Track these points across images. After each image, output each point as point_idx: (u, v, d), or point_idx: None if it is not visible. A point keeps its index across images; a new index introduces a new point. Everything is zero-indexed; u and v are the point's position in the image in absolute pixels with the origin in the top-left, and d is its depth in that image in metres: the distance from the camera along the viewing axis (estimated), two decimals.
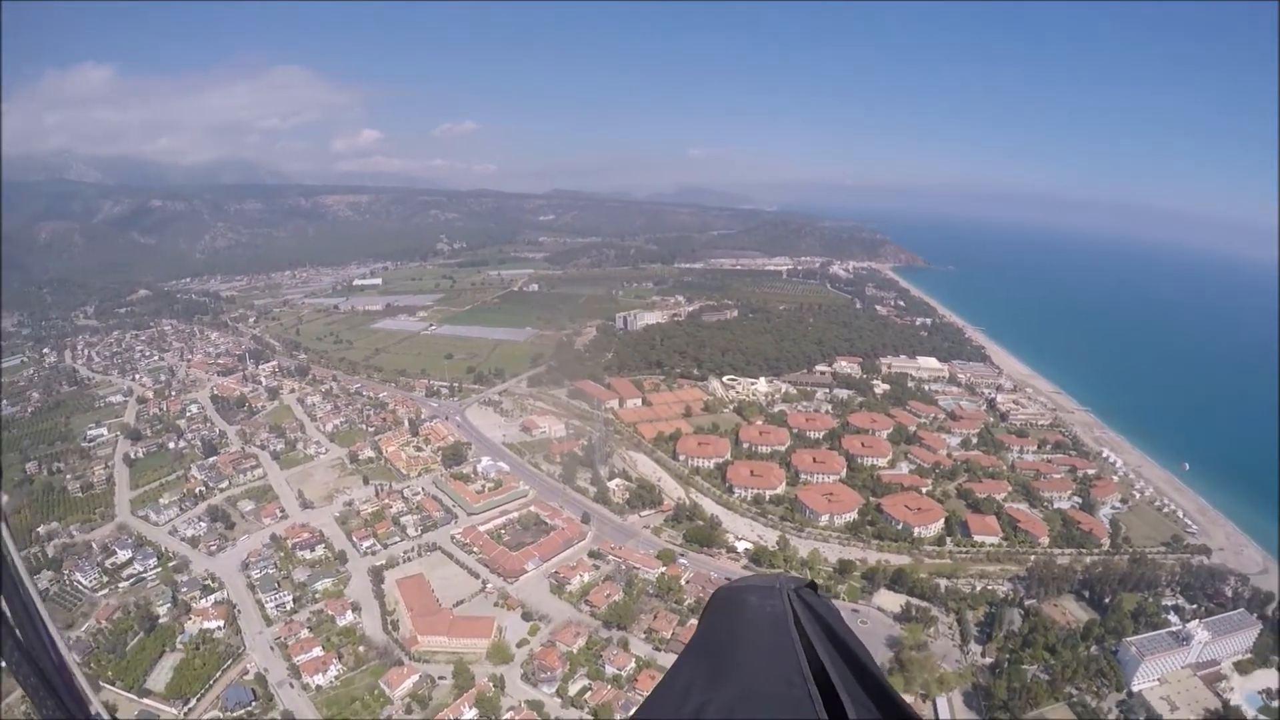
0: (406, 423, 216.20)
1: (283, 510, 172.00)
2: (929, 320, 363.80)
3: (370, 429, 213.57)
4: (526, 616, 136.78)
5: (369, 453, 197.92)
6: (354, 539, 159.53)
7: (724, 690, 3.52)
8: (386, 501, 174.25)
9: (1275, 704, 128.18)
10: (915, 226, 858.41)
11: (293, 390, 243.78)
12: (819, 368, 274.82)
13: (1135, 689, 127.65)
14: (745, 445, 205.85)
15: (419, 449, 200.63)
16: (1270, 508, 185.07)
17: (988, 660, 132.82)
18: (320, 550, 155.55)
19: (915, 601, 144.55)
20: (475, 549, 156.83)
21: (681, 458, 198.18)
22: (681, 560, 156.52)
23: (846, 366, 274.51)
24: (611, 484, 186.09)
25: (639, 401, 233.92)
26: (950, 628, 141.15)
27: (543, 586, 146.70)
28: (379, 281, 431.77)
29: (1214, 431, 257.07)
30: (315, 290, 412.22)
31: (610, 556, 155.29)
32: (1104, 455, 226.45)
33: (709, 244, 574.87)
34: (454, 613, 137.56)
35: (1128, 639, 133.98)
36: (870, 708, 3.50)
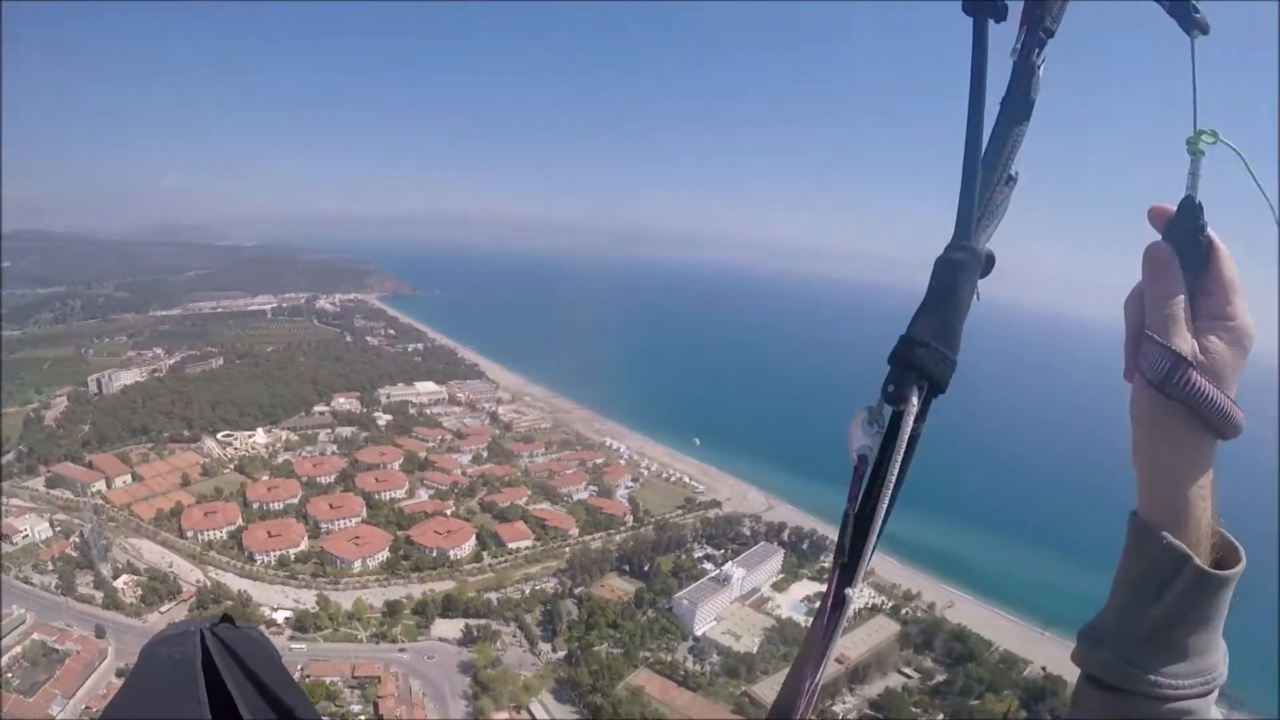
0: None
1: None
2: (421, 345, 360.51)
3: None
4: None
5: None
6: None
7: None
8: None
9: (815, 604, 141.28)
10: (402, 255, 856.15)
11: None
12: (317, 408, 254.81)
13: (699, 633, 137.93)
14: (256, 505, 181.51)
15: None
16: (755, 457, 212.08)
17: (560, 654, 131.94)
18: None
19: (473, 622, 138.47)
20: None
21: (190, 534, 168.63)
22: None
23: (345, 403, 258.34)
24: (119, 583, 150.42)
25: (129, 478, 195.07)
26: (514, 636, 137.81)
27: None
28: None
29: (694, 406, 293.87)
30: None
31: None
32: (608, 444, 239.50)
33: (187, 286, 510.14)
34: None
35: (677, 595, 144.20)
36: None
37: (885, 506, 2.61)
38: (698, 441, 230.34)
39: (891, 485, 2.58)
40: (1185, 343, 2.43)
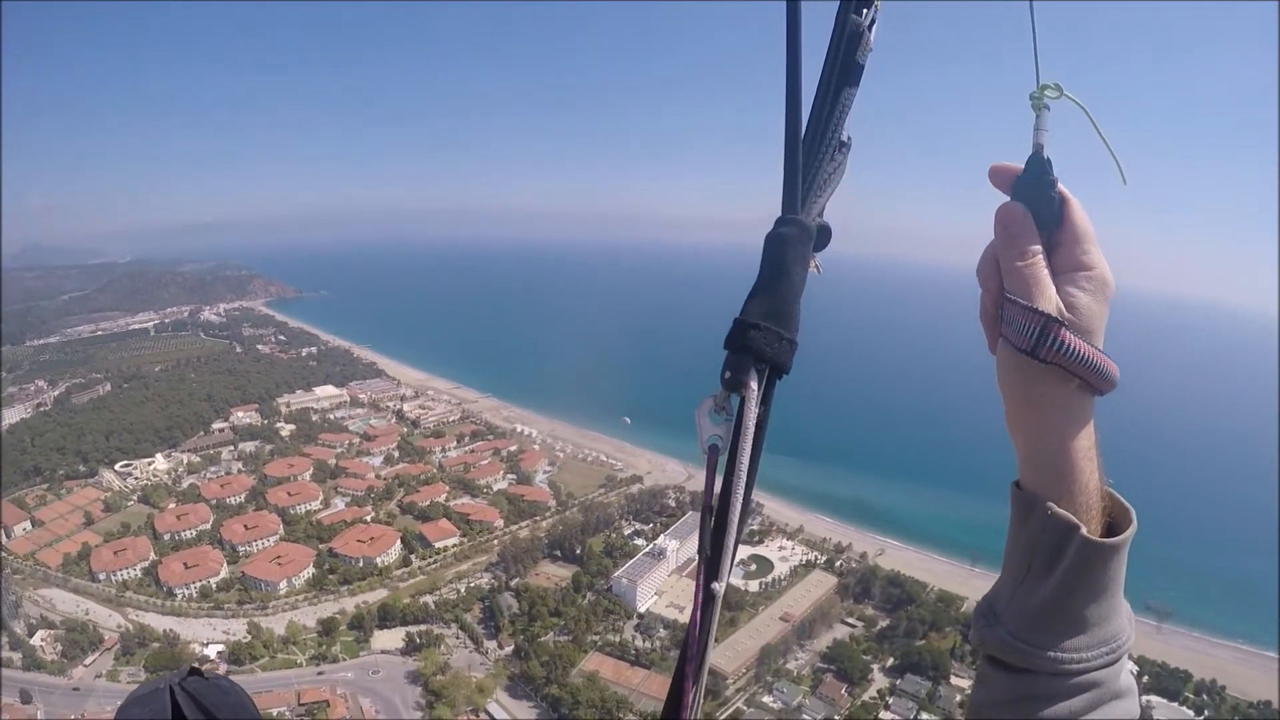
0: None
1: None
2: (315, 349, 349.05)
3: None
4: None
5: None
6: None
7: None
8: None
9: (753, 567, 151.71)
10: (282, 258, 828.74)
11: None
12: (216, 425, 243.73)
13: (643, 610, 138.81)
14: (166, 536, 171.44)
15: None
16: (671, 429, 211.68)
17: (508, 649, 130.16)
18: None
19: (413, 629, 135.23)
20: None
21: (102, 576, 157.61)
22: None
23: (245, 416, 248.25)
24: (36, 640, 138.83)
25: (28, 524, 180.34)
26: (458, 637, 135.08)
27: None
28: None
29: (596, 384, 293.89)
30: None
31: None
32: (519, 430, 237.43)
33: (61, 311, 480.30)
34: None
35: (615, 574, 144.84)
36: None
37: (743, 496, 2.50)
38: (628, 420, 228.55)
39: (744, 474, 2.46)
40: (1049, 302, 2.34)
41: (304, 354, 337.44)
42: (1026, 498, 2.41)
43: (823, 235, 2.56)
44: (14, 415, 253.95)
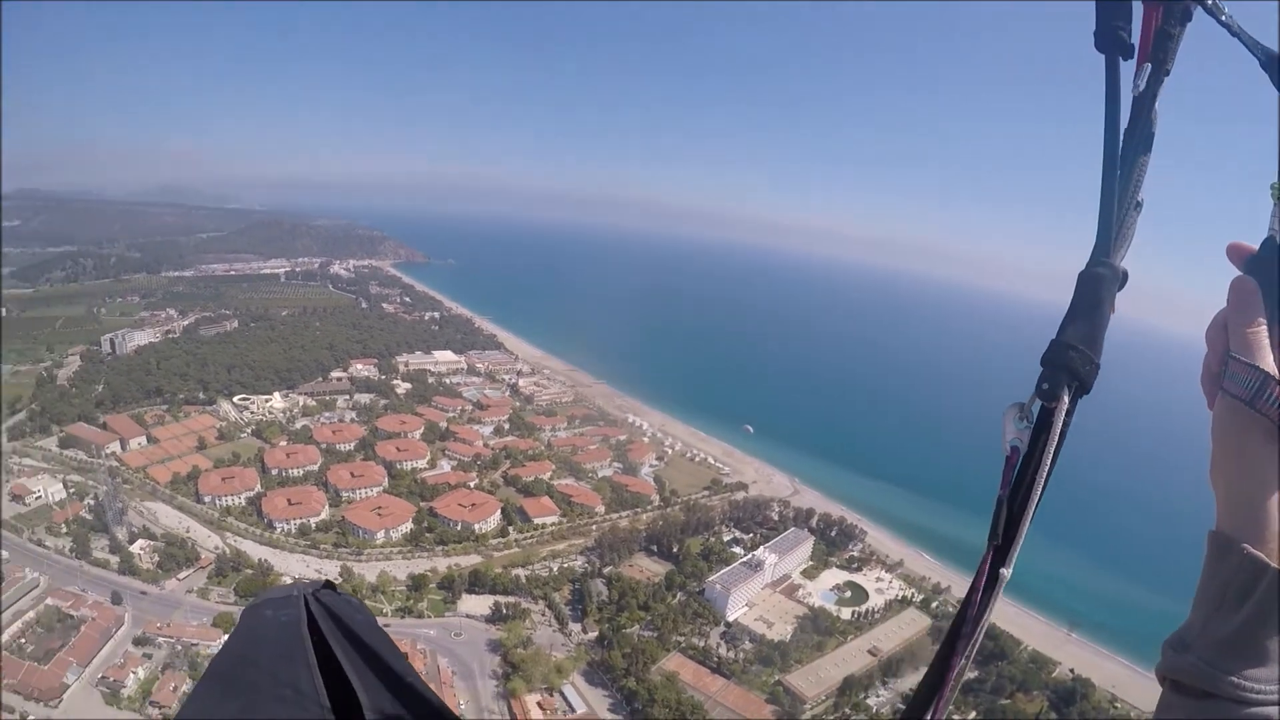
0: None
1: None
2: (438, 314, 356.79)
3: None
4: None
5: None
6: None
7: (226, 708, 3.51)
8: None
9: (847, 594, 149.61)
10: (412, 223, 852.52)
11: None
12: (334, 374, 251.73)
13: (731, 619, 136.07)
14: (274, 471, 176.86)
15: None
16: (785, 442, 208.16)
17: (591, 635, 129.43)
18: None
19: (502, 599, 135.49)
20: None
21: (207, 498, 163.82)
22: None
23: (363, 369, 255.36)
24: (135, 547, 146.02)
25: (144, 440, 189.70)
26: (543, 615, 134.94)
27: (94, 699, 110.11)
28: None
29: (713, 387, 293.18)
30: None
31: (160, 639, 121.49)
32: (629, 420, 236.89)
33: (198, 248, 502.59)
34: None
35: (710, 578, 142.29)
36: (388, 697, 3.66)
37: (1038, 494, 2.72)
38: (750, 429, 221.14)
39: (1045, 476, 2.70)
40: (1269, 365, 2.57)
41: (426, 317, 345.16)
42: (1222, 539, 2.53)
43: (1124, 280, 2.84)
44: (144, 338, 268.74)
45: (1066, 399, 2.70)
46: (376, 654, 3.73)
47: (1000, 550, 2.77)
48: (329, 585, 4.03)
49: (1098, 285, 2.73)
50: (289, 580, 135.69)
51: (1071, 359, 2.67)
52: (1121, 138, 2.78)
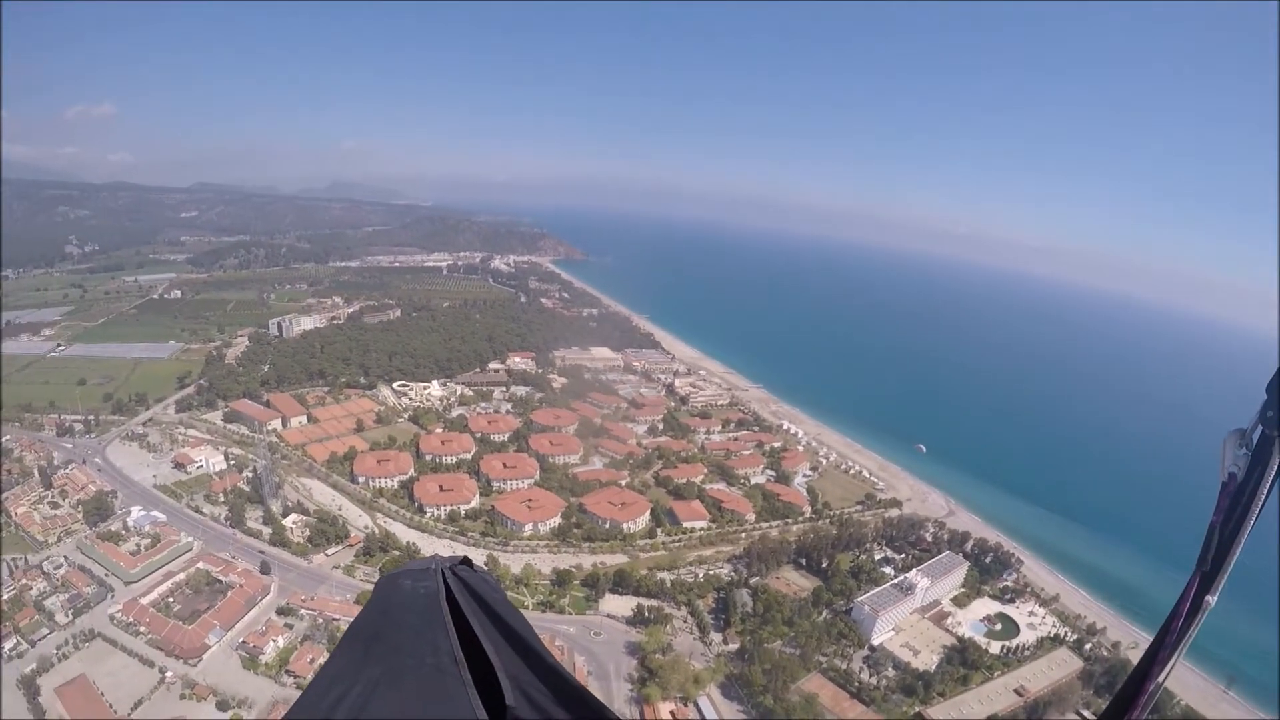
0: (36, 473, 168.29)
1: None
2: (595, 311, 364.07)
3: None
4: (223, 706, 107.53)
5: None
6: None
7: (368, 672, 3.63)
8: (24, 581, 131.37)
9: (998, 626, 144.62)
10: (569, 221, 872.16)
11: None
12: (492, 365, 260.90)
13: (876, 642, 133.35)
14: (428, 457, 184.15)
15: (55, 505, 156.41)
16: (945, 460, 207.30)
17: (732, 646, 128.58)
18: None
19: (644, 601, 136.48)
20: (143, 628, 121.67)
21: (361, 479, 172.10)
22: None
23: (520, 362, 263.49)
24: (287, 521, 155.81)
25: (304, 419, 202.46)
26: (685, 621, 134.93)
27: (233, 662, 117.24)
28: None
29: (877, 398, 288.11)
30: None
31: (303, 611, 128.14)
32: (784, 427, 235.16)
33: (364, 241, 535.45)
34: None
35: (859, 599, 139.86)
36: (524, 669, 3.81)
37: (1250, 523, 2.66)
38: (923, 449, 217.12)
39: (1259, 506, 2.61)
40: None
41: (584, 314, 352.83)
42: None
43: None
44: (309, 323, 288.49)
45: None
46: (513, 629, 4.01)
47: (1207, 577, 2.76)
48: (466, 561, 4.31)
49: None
50: None
51: None
52: None
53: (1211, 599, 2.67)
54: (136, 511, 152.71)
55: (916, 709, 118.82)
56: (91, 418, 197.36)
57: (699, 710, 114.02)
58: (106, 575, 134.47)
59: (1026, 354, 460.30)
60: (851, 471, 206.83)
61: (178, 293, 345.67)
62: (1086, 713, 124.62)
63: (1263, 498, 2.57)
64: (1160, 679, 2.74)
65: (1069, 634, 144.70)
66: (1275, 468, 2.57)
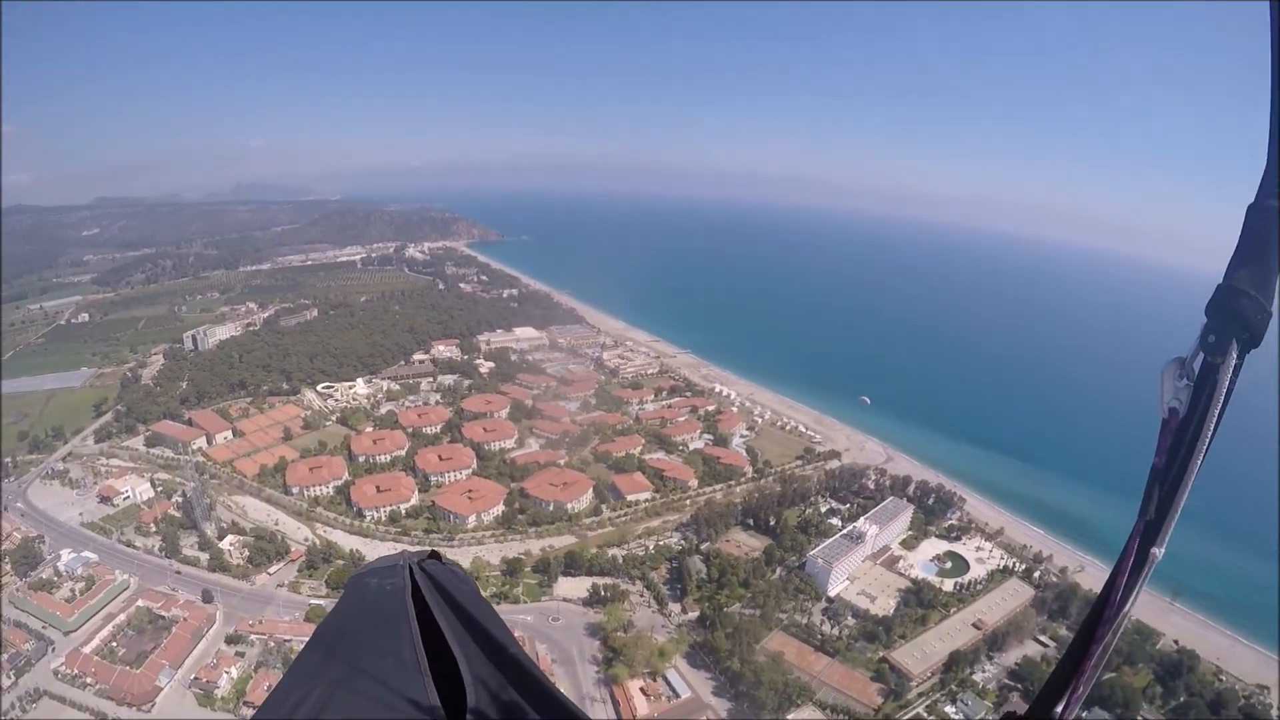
0: None
1: None
2: (515, 291, 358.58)
3: None
4: None
5: None
6: None
7: (330, 672, 3.62)
8: None
9: (948, 564, 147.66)
10: (483, 202, 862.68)
11: None
12: (417, 356, 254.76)
13: (833, 594, 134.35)
14: (361, 459, 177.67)
15: None
16: (879, 410, 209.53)
17: (692, 615, 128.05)
18: None
19: (599, 580, 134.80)
20: (89, 679, 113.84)
21: (295, 490, 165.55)
22: None
23: (445, 350, 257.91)
24: (224, 543, 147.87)
25: (229, 433, 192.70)
26: (642, 595, 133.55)
27: (187, 701, 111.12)
28: None
29: (805, 354, 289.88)
30: None
31: (253, 636, 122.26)
32: (717, 390, 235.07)
33: (274, 241, 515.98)
34: None
35: (811, 552, 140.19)
36: (489, 667, 3.80)
37: (1197, 463, 2.48)
38: (867, 400, 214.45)
39: (1206, 442, 2.45)
40: None
41: (505, 295, 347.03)
42: None
43: None
44: (225, 333, 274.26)
45: (1235, 354, 2.44)
46: (480, 624, 3.93)
47: (1151, 527, 2.54)
48: (434, 555, 4.36)
49: (1270, 222, 2.45)
50: None
51: (1241, 307, 2.41)
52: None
53: (1158, 551, 2.46)
54: (66, 554, 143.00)
55: (881, 654, 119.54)
56: (9, 460, 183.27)
57: (668, 683, 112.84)
58: (44, 627, 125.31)
59: (956, 303, 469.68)
60: (788, 428, 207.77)
61: (85, 316, 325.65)
62: (1043, 637, 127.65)
63: (1209, 433, 2.40)
64: (1108, 642, 2.50)
65: (1017, 564, 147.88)
66: (1221, 398, 2.44)
